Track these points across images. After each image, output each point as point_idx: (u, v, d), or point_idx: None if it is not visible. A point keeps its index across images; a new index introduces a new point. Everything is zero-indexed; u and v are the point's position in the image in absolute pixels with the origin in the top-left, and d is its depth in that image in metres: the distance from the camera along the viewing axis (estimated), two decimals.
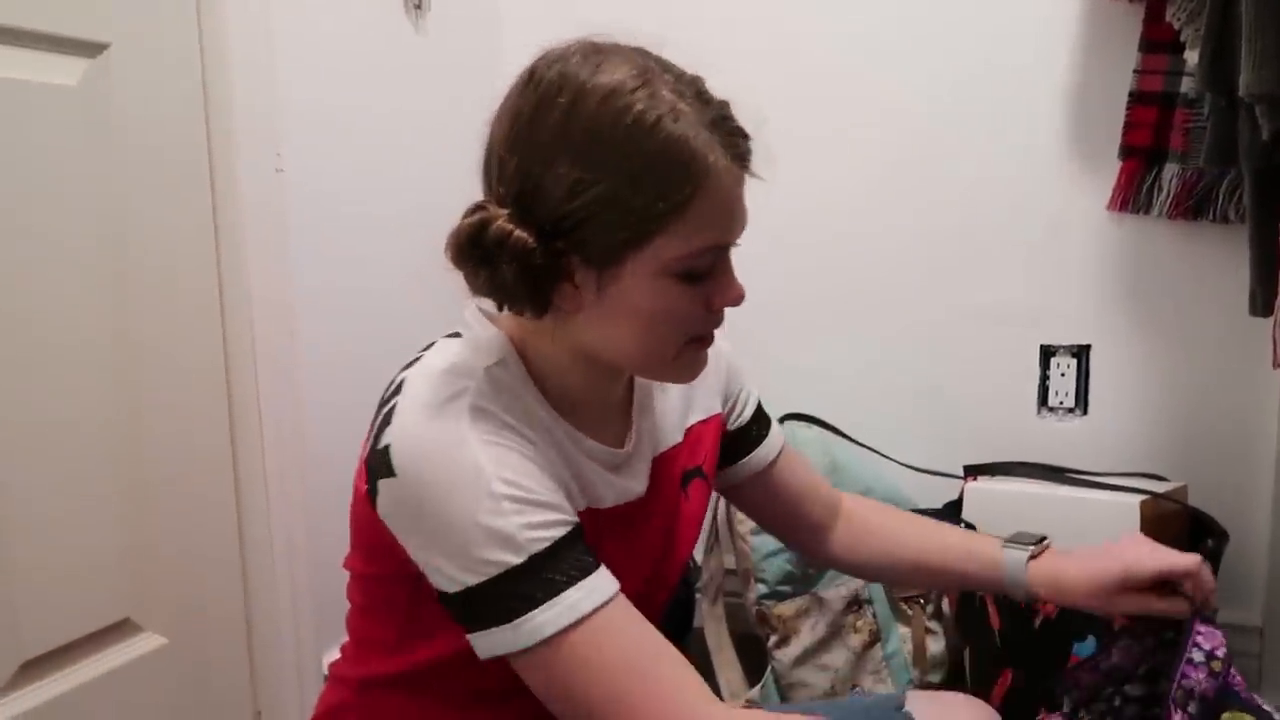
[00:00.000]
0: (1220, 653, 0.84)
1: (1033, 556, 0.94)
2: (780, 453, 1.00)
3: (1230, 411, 1.70)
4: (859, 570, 1.07)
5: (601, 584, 0.73)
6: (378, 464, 0.73)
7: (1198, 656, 0.84)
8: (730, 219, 0.74)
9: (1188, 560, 0.88)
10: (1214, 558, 1.48)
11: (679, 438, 0.91)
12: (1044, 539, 0.97)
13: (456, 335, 0.82)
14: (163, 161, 1.26)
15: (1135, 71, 1.64)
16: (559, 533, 0.72)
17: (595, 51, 0.73)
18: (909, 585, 1.58)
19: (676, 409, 0.91)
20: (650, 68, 0.73)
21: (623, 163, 0.70)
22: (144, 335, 1.23)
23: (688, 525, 0.93)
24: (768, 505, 1.02)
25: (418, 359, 0.79)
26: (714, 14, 1.87)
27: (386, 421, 0.74)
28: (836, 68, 1.86)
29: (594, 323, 0.75)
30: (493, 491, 0.70)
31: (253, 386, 1.37)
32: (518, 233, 0.70)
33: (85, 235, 1.16)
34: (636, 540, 0.86)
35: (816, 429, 1.77)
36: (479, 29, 1.95)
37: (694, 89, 0.74)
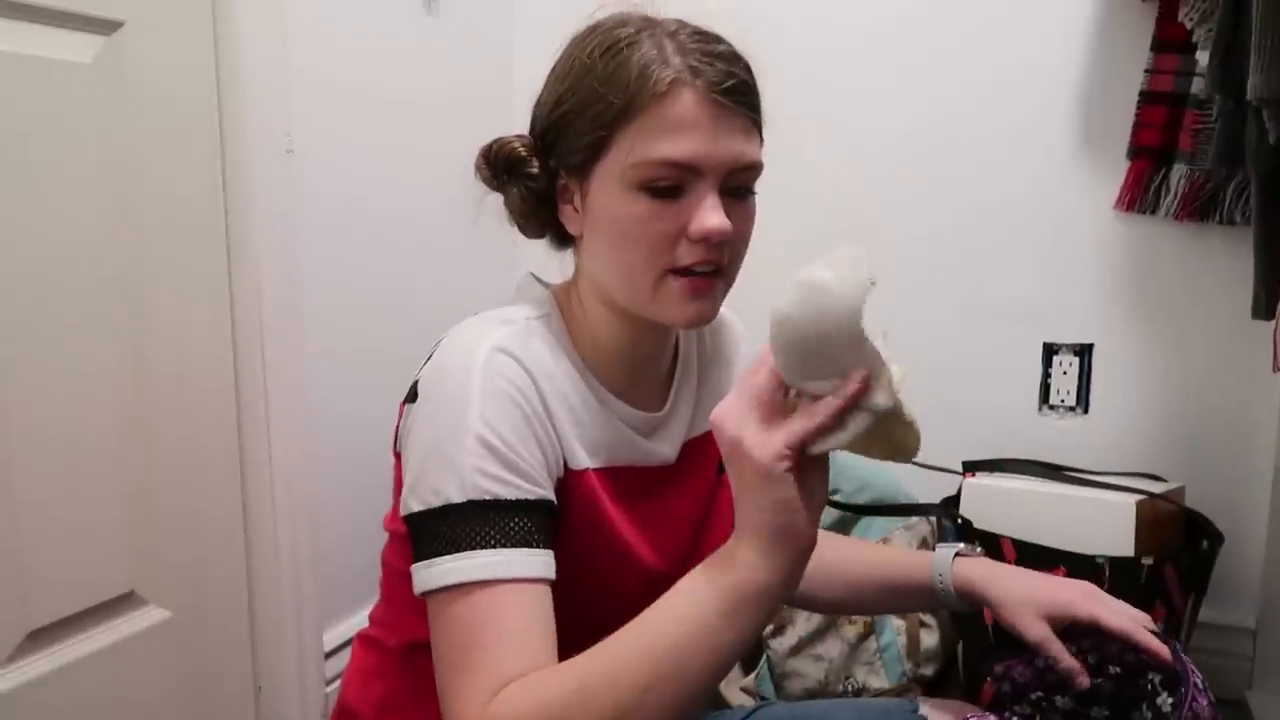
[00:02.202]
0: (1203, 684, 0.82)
1: (960, 554, 0.94)
2: None
3: (1230, 414, 1.71)
4: (813, 605, 1.06)
5: (520, 561, 0.69)
6: (409, 396, 0.77)
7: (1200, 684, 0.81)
8: (688, 134, 0.73)
9: (1127, 626, 0.84)
10: (1209, 559, 1.49)
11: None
12: (978, 548, 0.96)
13: None
14: (175, 141, 1.27)
15: (1147, 71, 1.64)
16: (509, 494, 0.70)
17: (628, 12, 0.79)
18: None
19: (716, 397, 0.90)
20: (663, 23, 0.77)
21: (592, 76, 0.75)
22: (152, 311, 1.24)
23: (724, 515, 0.91)
24: None
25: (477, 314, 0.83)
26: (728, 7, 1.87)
27: (428, 359, 0.77)
28: (846, 66, 1.86)
29: (590, 247, 0.79)
30: (468, 426, 0.70)
31: (259, 364, 1.38)
32: (514, 144, 0.80)
33: (97, 212, 1.17)
34: (665, 510, 0.86)
35: None
36: (491, 12, 1.96)
37: (691, 30, 0.77)
